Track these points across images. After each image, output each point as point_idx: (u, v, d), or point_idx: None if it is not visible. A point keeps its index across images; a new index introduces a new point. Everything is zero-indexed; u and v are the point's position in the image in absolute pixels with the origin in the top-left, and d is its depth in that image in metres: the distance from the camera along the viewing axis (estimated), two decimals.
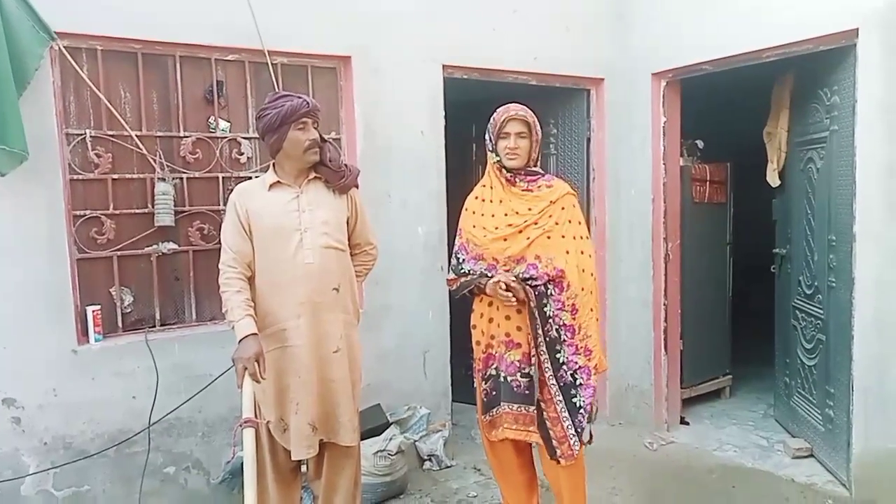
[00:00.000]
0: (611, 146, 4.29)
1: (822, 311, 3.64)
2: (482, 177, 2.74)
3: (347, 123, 3.57)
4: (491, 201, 2.65)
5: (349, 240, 2.67)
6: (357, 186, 2.70)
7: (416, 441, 3.63)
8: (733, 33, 3.58)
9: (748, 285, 5.32)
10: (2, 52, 2.59)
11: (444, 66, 3.74)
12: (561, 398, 2.53)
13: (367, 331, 3.23)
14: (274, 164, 2.59)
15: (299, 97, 2.51)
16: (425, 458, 3.68)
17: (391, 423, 3.51)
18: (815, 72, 3.58)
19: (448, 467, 3.69)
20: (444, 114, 3.79)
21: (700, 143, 4.63)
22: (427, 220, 3.77)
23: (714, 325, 4.69)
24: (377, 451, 3.26)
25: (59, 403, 2.89)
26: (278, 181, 2.55)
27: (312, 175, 2.58)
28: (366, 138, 3.55)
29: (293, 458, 2.57)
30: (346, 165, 2.64)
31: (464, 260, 2.67)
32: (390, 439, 3.34)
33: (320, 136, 2.57)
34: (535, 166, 2.67)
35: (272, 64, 3.29)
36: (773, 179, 4.12)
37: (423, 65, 3.69)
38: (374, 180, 3.54)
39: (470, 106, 3.95)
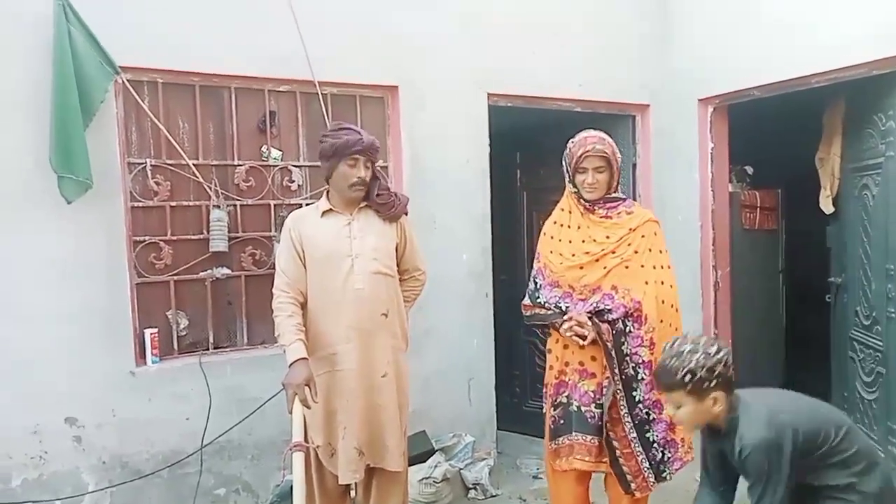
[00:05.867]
0: (657, 172, 4.26)
1: (881, 343, 3.50)
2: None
3: (394, 151, 3.64)
4: (569, 227, 2.61)
5: (398, 265, 2.71)
6: (406, 213, 2.74)
7: (461, 469, 3.60)
8: (781, 58, 3.54)
9: (802, 314, 5.16)
10: (71, 87, 2.74)
11: (488, 94, 3.79)
12: (635, 435, 2.46)
13: (410, 356, 3.22)
14: (328, 192, 2.66)
15: (358, 133, 2.56)
16: (470, 486, 3.65)
17: (436, 450, 3.50)
18: (869, 96, 3.51)
19: (493, 496, 3.64)
20: (488, 141, 3.83)
21: (749, 169, 4.57)
22: (471, 247, 3.79)
23: (767, 356, 4.57)
24: (422, 479, 3.26)
25: (117, 423, 2.98)
26: (331, 209, 2.62)
27: (363, 203, 2.64)
28: (412, 166, 3.61)
29: (340, 482, 2.59)
30: (395, 194, 2.68)
31: (541, 286, 2.63)
32: (435, 466, 3.33)
33: (373, 172, 2.61)
34: (615, 192, 2.59)
35: (322, 94, 3.39)
36: (826, 206, 4.02)
37: (468, 93, 3.74)
38: (419, 207, 3.57)
39: (515, 133, 3.97)
